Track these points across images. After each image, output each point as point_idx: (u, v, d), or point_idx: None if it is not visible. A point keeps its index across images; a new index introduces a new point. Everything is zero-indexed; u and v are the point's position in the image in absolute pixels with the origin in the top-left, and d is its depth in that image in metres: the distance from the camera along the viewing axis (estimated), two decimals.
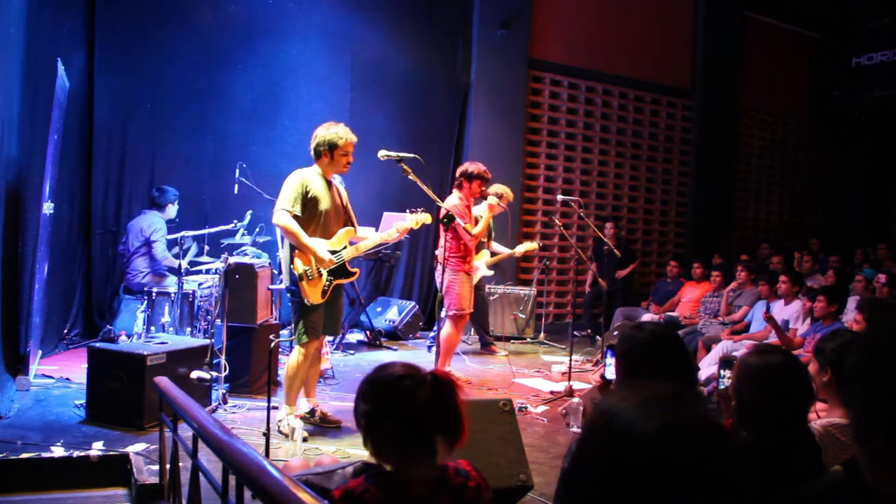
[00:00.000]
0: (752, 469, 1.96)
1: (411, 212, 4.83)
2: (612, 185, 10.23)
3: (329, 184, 4.54)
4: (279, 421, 4.42)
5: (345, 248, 4.52)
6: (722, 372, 2.59)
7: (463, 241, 5.81)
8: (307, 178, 4.42)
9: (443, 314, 5.89)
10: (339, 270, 4.48)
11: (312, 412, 4.64)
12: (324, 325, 4.52)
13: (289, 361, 4.50)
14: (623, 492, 0.91)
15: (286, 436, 4.32)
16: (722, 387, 2.54)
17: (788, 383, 2.05)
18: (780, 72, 11.58)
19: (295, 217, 4.31)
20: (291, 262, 4.32)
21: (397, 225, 4.74)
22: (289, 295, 4.44)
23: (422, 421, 1.71)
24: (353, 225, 4.68)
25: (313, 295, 4.35)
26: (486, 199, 6.05)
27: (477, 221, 6.03)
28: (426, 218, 4.86)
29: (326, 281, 4.41)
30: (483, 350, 7.46)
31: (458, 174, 6.08)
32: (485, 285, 7.54)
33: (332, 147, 4.43)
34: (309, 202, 4.38)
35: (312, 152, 4.49)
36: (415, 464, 1.71)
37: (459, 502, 1.74)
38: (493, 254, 7.27)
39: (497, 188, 7.01)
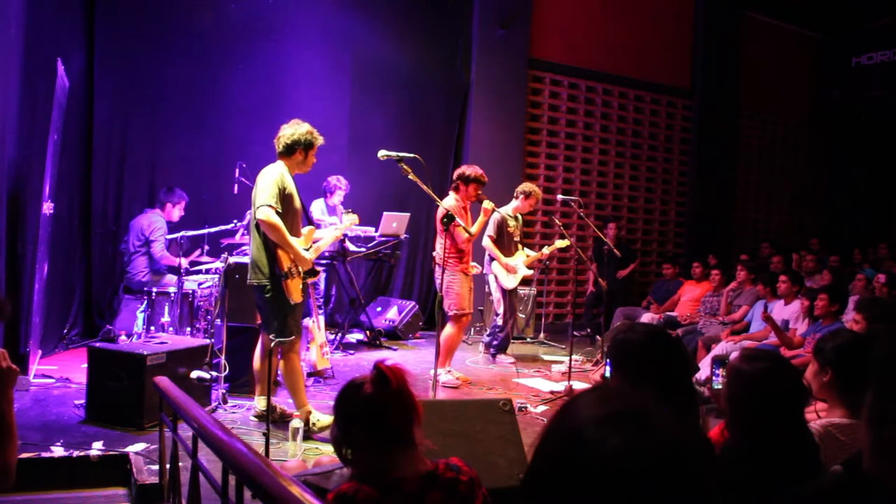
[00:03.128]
0: (749, 472, 1.96)
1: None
2: (612, 185, 10.23)
3: (294, 181, 4.54)
4: (309, 423, 4.37)
5: (310, 248, 4.53)
6: (716, 371, 2.59)
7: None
8: (284, 175, 4.39)
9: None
10: (309, 270, 4.51)
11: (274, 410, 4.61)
12: None
13: (285, 365, 4.45)
14: None
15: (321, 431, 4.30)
16: (717, 386, 2.54)
17: (779, 387, 2.05)
18: (780, 72, 11.57)
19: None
20: (276, 259, 4.28)
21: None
22: (266, 295, 4.32)
23: (382, 413, 1.76)
24: (311, 224, 4.70)
25: (296, 293, 4.34)
26: (481, 202, 6.04)
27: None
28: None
29: (303, 279, 4.42)
30: (485, 351, 7.33)
31: (454, 177, 6.10)
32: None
33: (308, 146, 4.47)
34: (285, 199, 4.35)
35: (284, 148, 4.45)
36: (399, 459, 1.74)
37: (453, 496, 1.75)
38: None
39: (526, 186, 6.97)
